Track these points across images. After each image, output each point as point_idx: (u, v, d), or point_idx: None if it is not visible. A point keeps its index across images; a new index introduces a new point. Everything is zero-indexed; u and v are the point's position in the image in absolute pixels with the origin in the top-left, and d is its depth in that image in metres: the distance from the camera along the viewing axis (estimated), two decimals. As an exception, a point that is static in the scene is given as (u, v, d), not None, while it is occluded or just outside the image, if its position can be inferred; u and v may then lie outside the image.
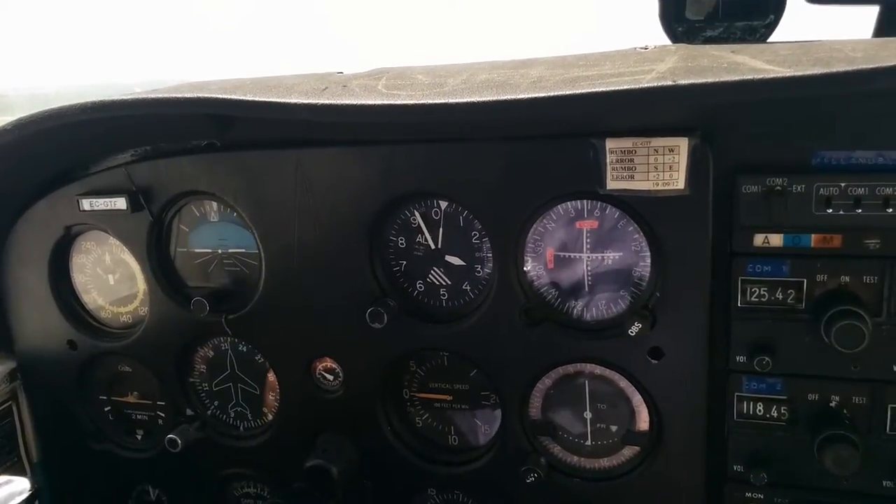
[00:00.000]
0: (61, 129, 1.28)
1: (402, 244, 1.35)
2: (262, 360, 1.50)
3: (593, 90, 0.97)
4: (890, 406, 1.14)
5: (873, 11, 1.34)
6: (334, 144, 1.28)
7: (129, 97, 1.22)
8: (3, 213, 1.51)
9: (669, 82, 0.94)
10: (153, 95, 1.21)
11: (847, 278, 1.10)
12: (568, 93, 0.98)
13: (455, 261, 1.32)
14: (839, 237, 1.09)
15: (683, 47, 1.19)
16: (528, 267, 1.27)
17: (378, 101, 1.08)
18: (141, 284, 1.53)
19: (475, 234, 1.29)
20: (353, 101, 1.08)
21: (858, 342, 1.05)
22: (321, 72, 1.35)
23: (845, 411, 1.16)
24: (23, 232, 1.53)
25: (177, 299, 1.47)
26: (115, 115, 1.24)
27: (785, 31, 1.22)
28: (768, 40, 1.19)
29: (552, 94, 0.99)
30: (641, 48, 1.17)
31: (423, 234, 1.33)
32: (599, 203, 1.20)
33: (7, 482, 1.20)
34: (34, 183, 1.49)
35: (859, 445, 1.11)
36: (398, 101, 1.06)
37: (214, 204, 1.44)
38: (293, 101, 1.11)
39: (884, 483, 1.16)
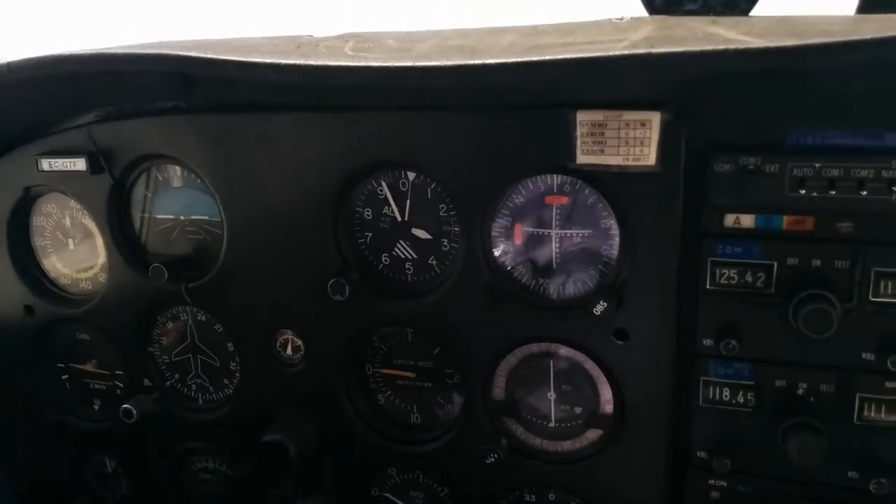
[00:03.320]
0: (20, 86, 1.24)
1: (368, 216, 1.31)
2: (223, 331, 1.46)
3: (563, 56, 0.94)
4: (858, 395, 1.11)
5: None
6: (301, 110, 1.24)
7: (87, 52, 1.18)
8: (-39, 172, 1.47)
9: (641, 51, 0.91)
10: (111, 51, 1.16)
11: (818, 262, 1.07)
12: (537, 59, 0.95)
13: (421, 234, 1.29)
14: (811, 219, 1.06)
15: (660, 18, 1.16)
16: (495, 242, 1.24)
17: (343, 63, 1.04)
18: (101, 250, 1.49)
19: (443, 208, 1.26)
20: (318, 61, 1.05)
21: (827, 327, 1.03)
22: (290, 35, 1.31)
23: (812, 399, 1.13)
24: None
25: (136, 266, 1.43)
26: (74, 71, 1.19)
27: (768, 7, 1.20)
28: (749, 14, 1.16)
29: (521, 59, 0.95)
30: (617, 19, 1.13)
31: (389, 205, 1.29)
32: (570, 178, 1.17)
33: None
34: (-6, 142, 1.45)
35: (824, 435, 1.09)
36: (363, 63, 1.03)
37: (178, 169, 1.40)
38: (255, 59, 1.07)
39: (849, 474, 1.14)
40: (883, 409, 1.11)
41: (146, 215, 1.45)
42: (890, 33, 0.82)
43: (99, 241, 1.48)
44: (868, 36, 0.83)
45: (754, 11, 1.28)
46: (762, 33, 0.93)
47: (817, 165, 1.03)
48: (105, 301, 1.48)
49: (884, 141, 1.01)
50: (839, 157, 1.02)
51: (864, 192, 1.02)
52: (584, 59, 0.92)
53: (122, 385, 1.59)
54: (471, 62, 0.97)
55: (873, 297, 1.06)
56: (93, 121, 1.38)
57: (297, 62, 1.05)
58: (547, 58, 0.95)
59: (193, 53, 1.10)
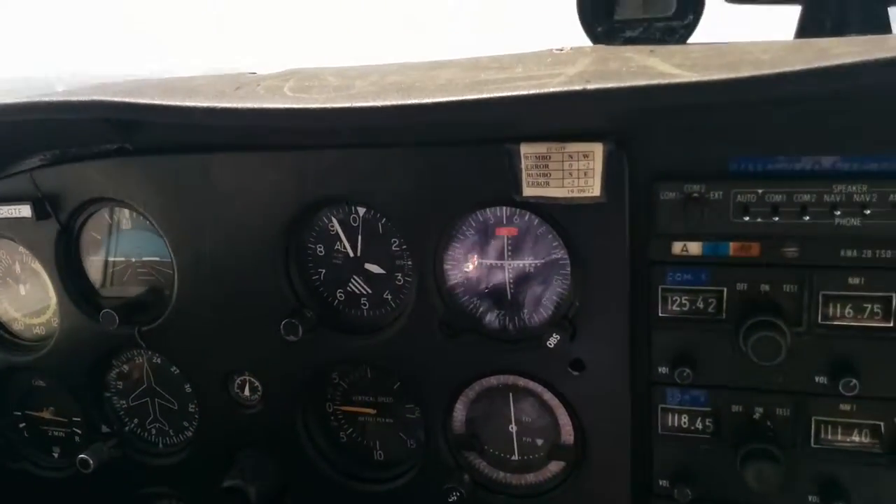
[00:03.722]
0: None
1: (320, 252, 1.29)
2: (179, 373, 1.44)
3: (498, 95, 0.93)
4: (814, 418, 1.11)
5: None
6: (246, 149, 1.22)
7: (23, 101, 1.16)
8: None
9: (576, 87, 0.90)
10: (49, 99, 1.14)
11: (767, 287, 1.07)
12: (473, 97, 0.94)
13: (375, 269, 1.27)
14: (757, 245, 1.06)
15: (599, 49, 1.16)
16: (448, 275, 1.23)
17: (279, 105, 1.03)
18: (52, 295, 1.46)
19: (395, 242, 1.24)
20: (254, 104, 1.03)
21: (775, 354, 1.02)
22: (232, 73, 1.29)
23: (769, 423, 1.13)
24: None
25: (87, 311, 1.41)
26: (12, 121, 1.17)
27: (707, 31, 1.19)
28: (689, 41, 1.16)
29: (456, 98, 0.95)
30: (557, 49, 1.13)
31: (341, 241, 1.28)
32: (518, 210, 1.16)
33: None
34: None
35: (781, 460, 1.08)
36: (300, 105, 1.01)
37: (126, 211, 1.38)
38: (192, 104, 1.05)
39: (809, 498, 1.13)
40: (839, 432, 1.10)
41: (96, 259, 1.43)
42: (816, 64, 0.82)
43: (50, 286, 1.46)
44: (797, 68, 0.83)
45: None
46: (696, 64, 0.93)
47: (760, 191, 1.02)
48: (58, 347, 1.45)
49: (822, 165, 1.01)
50: (781, 182, 1.02)
51: (807, 217, 1.01)
52: (518, 98, 0.91)
53: (80, 431, 1.56)
54: (406, 102, 0.96)
55: (822, 320, 1.05)
56: (36, 166, 1.36)
57: (234, 106, 1.03)
58: (483, 96, 0.94)
59: (130, 99, 1.08)
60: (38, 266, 1.45)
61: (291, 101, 1.04)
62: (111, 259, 1.42)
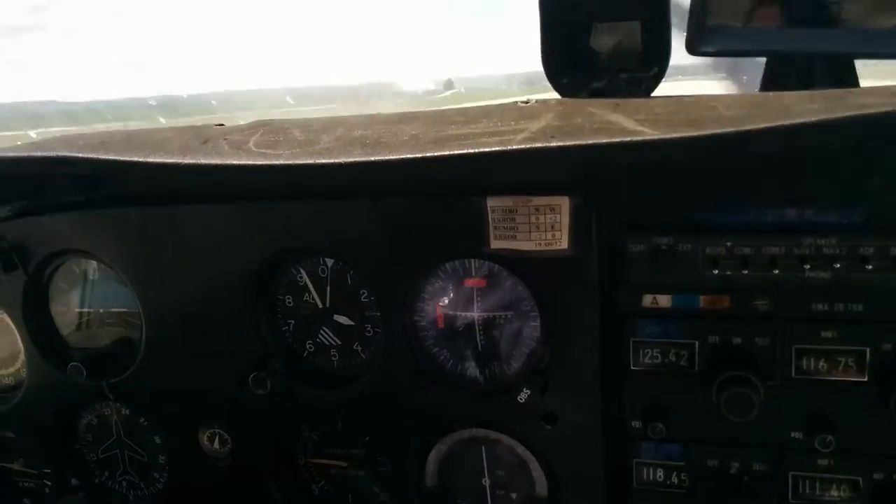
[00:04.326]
0: None
1: (289, 303, 1.28)
2: (148, 425, 1.41)
3: (462, 152, 0.92)
4: (791, 473, 1.09)
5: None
6: (211, 201, 1.21)
7: None
8: None
9: (537, 144, 0.90)
10: (12, 154, 1.13)
11: (739, 340, 1.06)
12: (436, 154, 0.93)
13: (344, 320, 1.26)
14: (728, 298, 1.05)
15: (563, 102, 1.16)
16: (417, 327, 1.21)
17: (244, 161, 1.02)
18: (21, 346, 1.44)
19: (363, 293, 1.23)
20: (217, 160, 1.02)
21: (748, 410, 1.01)
22: (199, 125, 1.29)
23: (746, 478, 1.11)
24: None
25: (55, 362, 1.39)
26: None
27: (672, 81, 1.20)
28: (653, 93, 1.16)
29: (420, 155, 0.94)
30: (523, 102, 1.12)
31: (310, 292, 1.26)
32: (486, 262, 1.15)
33: None
34: None
35: None
36: (262, 162, 1.00)
37: (94, 262, 1.36)
38: (156, 160, 1.04)
39: None
40: (817, 487, 1.09)
41: (65, 310, 1.41)
42: (777, 122, 0.81)
43: (18, 337, 1.43)
44: (759, 126, 0.83)
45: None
46: (658, 120, 0.92)
47: (729, 244, 1.01)
48: (26, 399, 1.43)
49: (789, 218, 1.00)
50: (749, 235, 1.01)
51: (777, 270, 1.00)
52: (479, 154, 0.91)
53: (49, 483, 1.53)
54: (370, 159, 0.96)
55: (796, 374, 1.04)
56: (2, 217, 1.34)
57: (197, 162, 1.02)
58: (446, 153, 0.93)
59: (94, 155, 1.07)
60: (5, 317, 1.43)
61: (256, 156, 1.03)
62: (79, 310, 1.40)
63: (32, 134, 1.36)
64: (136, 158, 1.04)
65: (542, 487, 1.24)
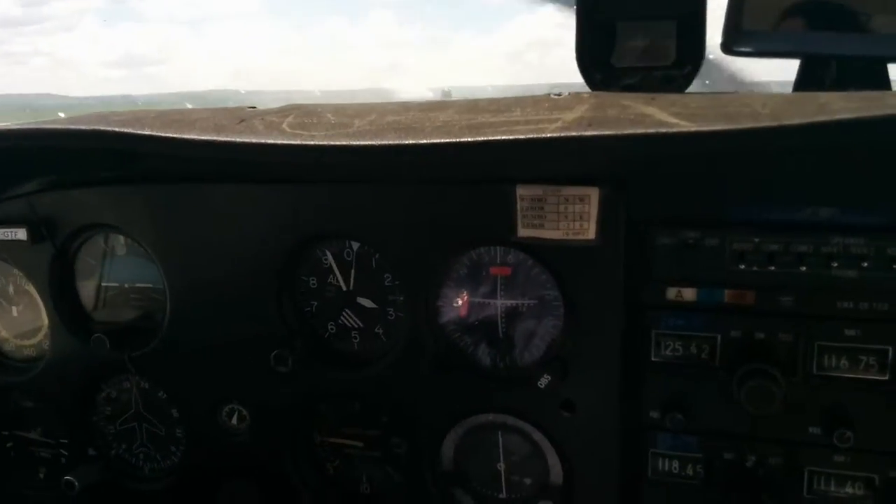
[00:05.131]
0: None
1: (313, 284, 1.29)
2: (167, 399, 1.43)
3: (494, 138, 0.93)
4: (807, 469, 1.10)
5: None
6: (242, 181, 1.23)
7: (24, 127, 1.17)
8: None
9: (572, 133, 0.91)
10: (50, 126, 1.15)
11: (762, 335, 1.07)
12: (469, 140, 0.95)
13: (367, 303, 1.27)
14: (753, 293, 1.06)
15: (597, 95, 1.17)
16: (440, 312, 1.23)
17: (277, 141, 1.03)
18: (45, 317, 1.46)
19: (387, 277, 1.24)
20: (252, 139, 1.04)
21: (769, 404, 1.02)
22: (232, 107, 1.30)
23: (761, 472, 1.12)
24: None
25: (79, 335, 1.40)
26: (12, 146, 1.18)
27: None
28: (687, 90, 1.17)
29: (453, 140, 0.95)
30: (555, 94, 1.13)
31: (334, 274, 1.28)
32: (512, 250, 1.16)
33: None
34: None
35: None
36: (297, 142, 1.02)
37: (121, 237, 1.38)
38: (191, 137, 1.06)
39: None
40: (832, 483, 1.10)
41: (90, 283, 1.42)
42: (814, 118, 0.82)
43: (43, 308, 1.45)
44: (795, 121, 0.84)
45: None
46: (694, 114, 0.93)
47: (756, 240, 1.03)
48: (48, 369, 1.45)
49: (819, 216, 1.01)
50: (778, 232, 1.02)
51: (804, 268, 1.01)
52: (514, 142, 0.92)
53: (66, 453, 1.55)
54: (405, 142, 0.97)
55: (817, 370, 1.05)
56: (34, 190, 1.36)
57: (232, 140, 1.04)
58: (479, 139, 0.94)
59: (130, 130, 1.09)
60: (31, 288, 1.45)
61: (290, 136, 1.04)
62: (104, 284, 1.42)
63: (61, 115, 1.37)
64: (173, 134, 1.06)
65: (556, 475, 1.26)
